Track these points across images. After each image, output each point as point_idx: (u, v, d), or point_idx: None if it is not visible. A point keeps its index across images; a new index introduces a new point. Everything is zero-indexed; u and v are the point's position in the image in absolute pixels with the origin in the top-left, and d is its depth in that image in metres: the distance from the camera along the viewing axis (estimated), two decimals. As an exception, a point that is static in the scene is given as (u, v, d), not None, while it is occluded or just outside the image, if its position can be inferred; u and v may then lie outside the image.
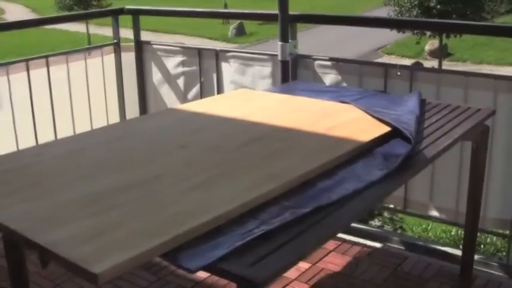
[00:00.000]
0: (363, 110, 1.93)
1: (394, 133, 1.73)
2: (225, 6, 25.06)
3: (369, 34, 18.89)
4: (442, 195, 2.47)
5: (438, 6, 13.71)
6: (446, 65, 18.56)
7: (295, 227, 1.19)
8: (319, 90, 2.32)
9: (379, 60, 19.87)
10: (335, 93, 2.26)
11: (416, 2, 13.88)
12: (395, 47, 21.57)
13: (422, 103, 2.12)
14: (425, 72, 2.49)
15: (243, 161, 1.51)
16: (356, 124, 1.81)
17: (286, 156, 1.54)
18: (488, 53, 19.88)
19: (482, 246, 5.36)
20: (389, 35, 18.15)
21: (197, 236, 1.15)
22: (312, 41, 19.43)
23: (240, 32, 24.26)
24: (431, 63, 18.73)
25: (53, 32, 22.05)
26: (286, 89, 2.38)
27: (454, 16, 15.44)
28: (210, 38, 23.78)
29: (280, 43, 2.65)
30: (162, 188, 1.35)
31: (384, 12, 17.39)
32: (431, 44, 19.83)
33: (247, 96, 2.24)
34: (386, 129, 1.74)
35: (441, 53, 17.13)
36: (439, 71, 2.49)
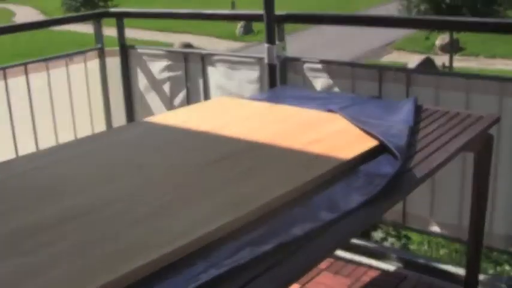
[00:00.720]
0: (350, 121, 1.74)
1: (383, 148, 1.54)
2: (232, 7, 24.91)
3: (377, 29, 18.62)
4: (443, 208, 2.27)
5: (447, 0, 13.34)
6: (458, 59, 18.23)
7: (252, 268, 1.01)
8: (307, 97, 2.14)
9: (389, 56, 19.61)
10: (324, 100, 2.08)
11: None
12: (404, 42, 21.25)
13: (418, 110, 1.93)
14: (424, 75, 2.29)
15: (204, 184, 1.33)
16: (340, 137, 1.62)
17: (255, 177, 1.36)
18: (502, 47, 19.50)
19: (494, 253, 5.10)
20: (398, 30, 17.85)
21: (131, 283, 0.97)
22: (315, 38, 19.21)
23: (248, 30, 24.08)
24: (442, 58, 18.41)
25: (58, 34, 22.04)
26: (273, 96, 2.21)
27: (464, 11, 15.11)
28: (219, 37, 23.64)
29: (266, 45, 2.47)
30: (105, 220, 1.18)
31: (389, 9, 17.02)
32: (442, 38, 19.49)
33: (228, 105, 2.06)
34: (373, 143, 1.55)
35: (451, 47, 16.81)
36: (438, 73, 2.28)
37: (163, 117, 1.93)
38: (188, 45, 12.87)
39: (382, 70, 2.31)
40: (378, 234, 4.11)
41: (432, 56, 18.79)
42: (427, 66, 12.66)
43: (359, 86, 2.35)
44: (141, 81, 3.13)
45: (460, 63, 15.98)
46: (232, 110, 1.98)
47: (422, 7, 13.77)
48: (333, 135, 1.64)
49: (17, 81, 2.82)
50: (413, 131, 1.72)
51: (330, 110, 1.90)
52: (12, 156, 2.75)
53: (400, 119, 1.80)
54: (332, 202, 1.23)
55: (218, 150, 1.55)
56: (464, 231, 2.16)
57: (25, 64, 2.88)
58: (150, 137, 1.72)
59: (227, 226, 1.13)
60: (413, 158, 1.54)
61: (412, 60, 15.34)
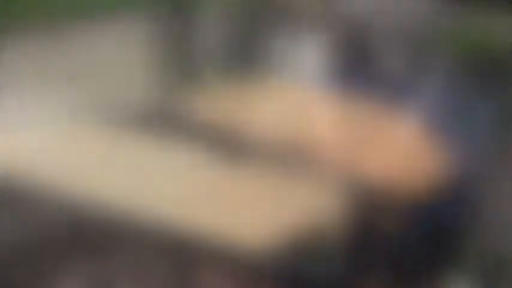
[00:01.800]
0: (424, 129, 1.36)
1: (456, 179, 1.16)
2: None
3: None
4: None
5: None
6: None
7: None
8: (387, 80, 1.80)
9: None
10: (404, 87, 1.73)
11: None
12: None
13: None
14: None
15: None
16: (400, 158, 1.24)
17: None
18: None
19: None
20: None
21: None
22: None
23: None
24: None
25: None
26: (347, 74, 1.89)
27: None
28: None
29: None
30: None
31: None
32: None
33: (290, 93, 1.73)
34: (442, 172, 1.16)
35: None
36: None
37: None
38: None
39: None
40: None
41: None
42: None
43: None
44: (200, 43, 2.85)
45: None
46: (293, 100, 1.66)
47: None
48: (392, 155, 1.27)
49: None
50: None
51: (400, 104, 1.54)
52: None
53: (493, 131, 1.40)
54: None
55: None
56: None
57: (64, 25, 2.67)
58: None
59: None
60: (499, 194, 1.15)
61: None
